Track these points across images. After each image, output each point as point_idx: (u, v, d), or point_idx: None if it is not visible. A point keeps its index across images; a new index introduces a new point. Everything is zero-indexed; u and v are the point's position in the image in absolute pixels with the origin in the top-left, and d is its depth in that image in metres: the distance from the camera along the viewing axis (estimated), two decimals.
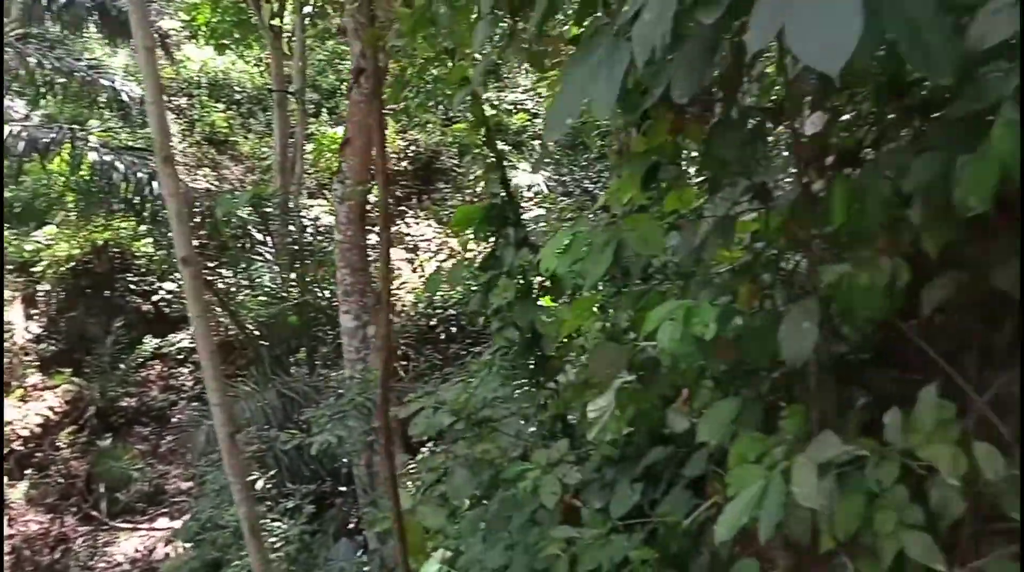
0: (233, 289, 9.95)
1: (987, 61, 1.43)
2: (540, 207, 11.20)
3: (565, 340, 3.64)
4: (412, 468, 4.34)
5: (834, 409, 2.04)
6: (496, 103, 13.15)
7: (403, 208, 12.97)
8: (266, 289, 9.78)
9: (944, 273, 1.74)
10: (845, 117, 2.08)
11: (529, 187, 11.96)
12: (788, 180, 2.33)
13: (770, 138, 2.21)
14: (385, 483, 3.13)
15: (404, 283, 11.20)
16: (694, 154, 2.40)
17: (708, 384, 2.67)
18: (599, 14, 1.81)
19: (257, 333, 9.40)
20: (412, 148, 13.54)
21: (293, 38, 12.19)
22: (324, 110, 14.65)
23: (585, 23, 1.99)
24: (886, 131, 1.91)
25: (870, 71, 1.91)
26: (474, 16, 1.96)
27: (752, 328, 1.99)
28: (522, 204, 11.36)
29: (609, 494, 3.16)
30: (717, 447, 2.34)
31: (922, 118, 1.79)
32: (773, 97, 2.20)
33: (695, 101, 2.06)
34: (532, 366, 3.65)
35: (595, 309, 3.45)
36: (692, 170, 2.55)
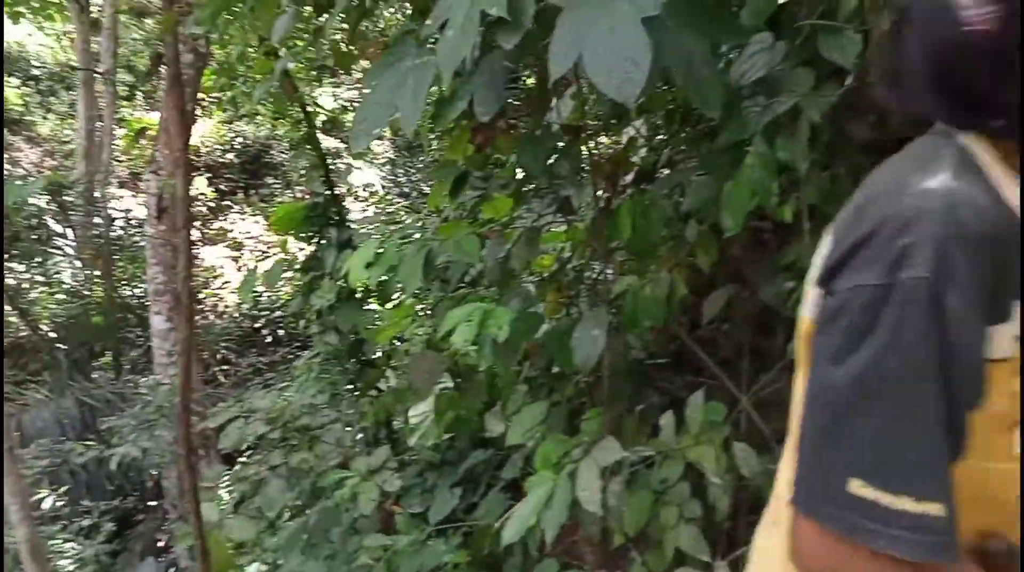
0: (25, 285, 8.95)
1: (751, 96, 1.60)
2: (376, 207, 11.05)
3: (391, 345, 3.63)
4: (226, 480, 4.11)
5: (628, 411, 2.19)
6: (333, 98, 12.80)
7: (228, 203, 12.28)
8: (65, 286, 8.89)
9: (721, 287, 1.93)
10: (640, 140, 2.24)
11: (364, 186, 11.75)
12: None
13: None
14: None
15: (227, 283, 10.61)
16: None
17: (523, 388, 2.77)
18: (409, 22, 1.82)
19: (54, 334, 8.52)
20: (239, 140, 12.84)
21: (103, 13, 11.15)
22: (139, 94, 13.53)
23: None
24: (675, 154, 2.08)
25: (664, 98, 2.07)
26: (277, 9, 1.90)
27: (555, 334, 2.09)
28: (357, 203, 11.16)
29: (430, 499, 3.19)
30: (533, 449, 2.43)
31: (707, 144, 1.97)
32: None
33: (504, 114, 2.12)
34: (355, 371, 3.60)
35: (421, 315, 3.47)
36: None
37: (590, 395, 2.42)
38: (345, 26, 2.08)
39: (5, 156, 12.01)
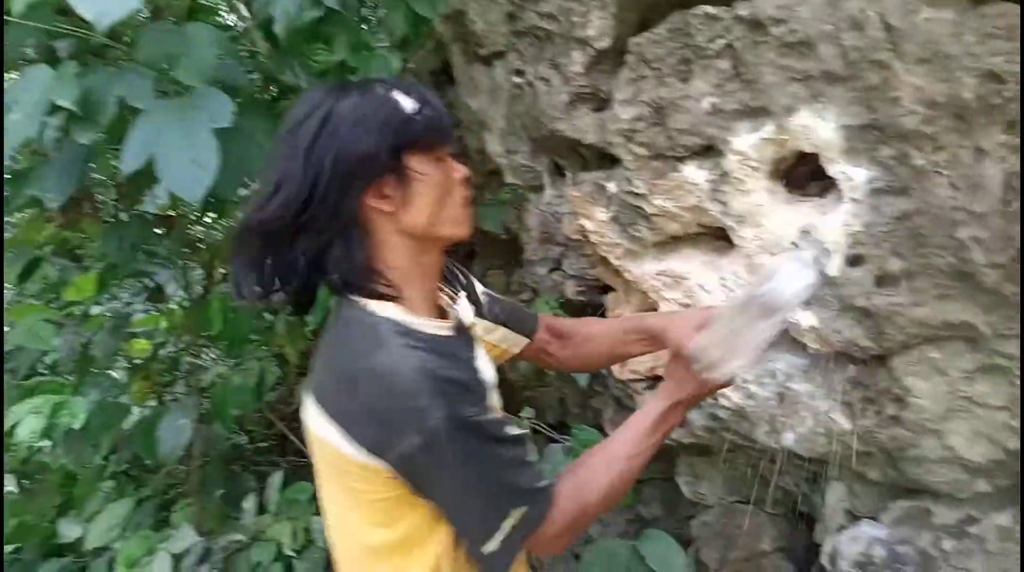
0: None
1: None
2: None
3: None
4: None
5: (221, 499, 2.18)
6: None
7: None
8: None
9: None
10: None
11: None
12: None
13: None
14: None
15: None
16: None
17: (109, 484, 2.56)
18: None
19: None
20: None
21: None
22: None
23: None
24: None
25: None
26: None
27: (142, 425, 2.02)
28: None
29: None
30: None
31: None
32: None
33: (91, 197, 2.05)
34: None
35: None
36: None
37: (182, 486, 2.35)
38: None
39: None
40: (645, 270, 1.68)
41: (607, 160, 1.62)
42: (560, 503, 0.99)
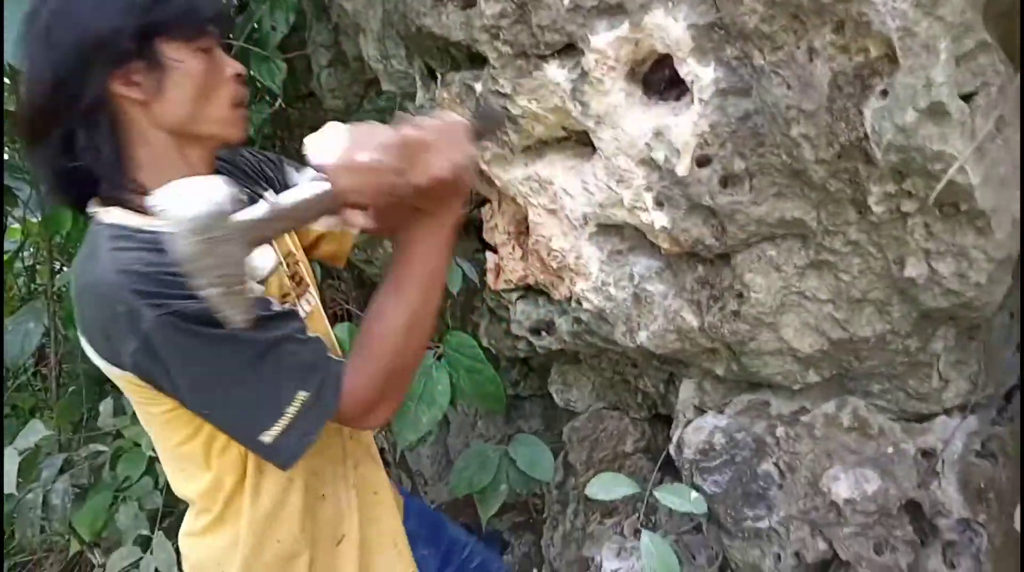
0: None
1: None
2: None
3: None
4: None
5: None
6: None
7: None
8: None
9: None
10: None
11: None
12: None
13: None
14: None
15: None
16: None
17: None
18: None
19: None
20: None
21: None
22: None
23: None
24: None
25: None
26: None
27: None
28: None
29: None
30: None
31: None
32: None
33: None
34: None
35: None
36: None
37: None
38: None
39: None
40: (514, 175, 1.70)
41: (477, 61, 1.61)
42: (351, 376, 0.96)
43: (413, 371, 1.04)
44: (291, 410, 0.91)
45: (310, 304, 1.18)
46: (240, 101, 1.03)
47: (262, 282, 1.03)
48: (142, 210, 0.94)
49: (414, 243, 0.97)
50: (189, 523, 1.15)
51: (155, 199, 0.77)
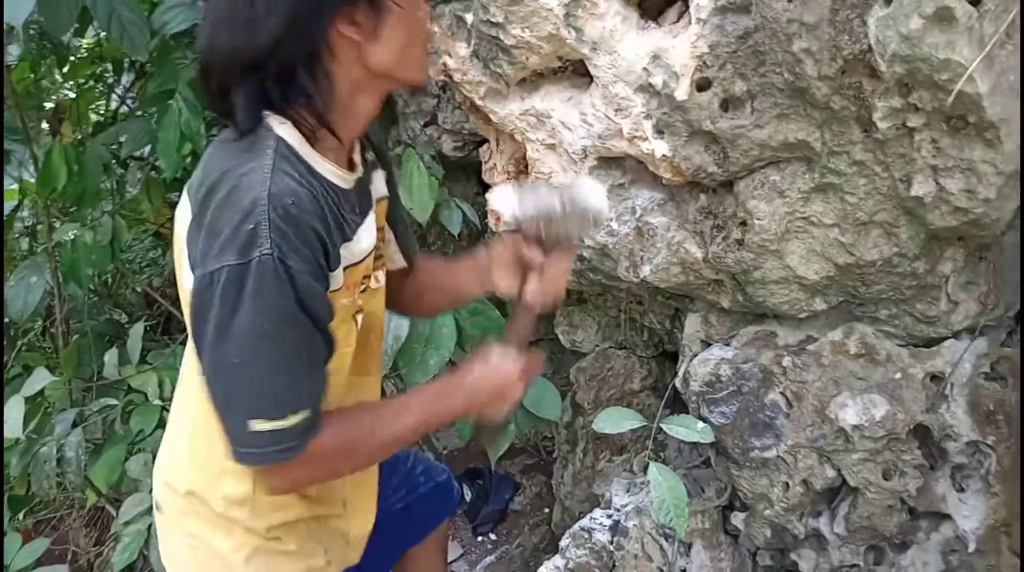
0: None
1: (178, 48, 1.70)
2: None
3: None
4: None
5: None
6: None
7: None
8: None
9: None
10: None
11: None
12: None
13: None
14: None
15: None
16: None
17: None
18: None
19: None
20: None
21: None
22: None
23: None
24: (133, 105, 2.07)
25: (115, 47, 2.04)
26: None
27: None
28: None
29: None
30: None
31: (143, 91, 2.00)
32: None
33: None
34: None
35: None
36: None
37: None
38: None
39: None
40: (510, 110, 1.66)
41: None
42: (323, 435, 0.94)
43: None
44: (293, 419, 0.90)
45: (379, 281, 1.15)
46: (432, 45, 1.02)
47: (363, 259, 1.01)
48: (311, 135, 0.93)
49: (441, 397, 1.05)
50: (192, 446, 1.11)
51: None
